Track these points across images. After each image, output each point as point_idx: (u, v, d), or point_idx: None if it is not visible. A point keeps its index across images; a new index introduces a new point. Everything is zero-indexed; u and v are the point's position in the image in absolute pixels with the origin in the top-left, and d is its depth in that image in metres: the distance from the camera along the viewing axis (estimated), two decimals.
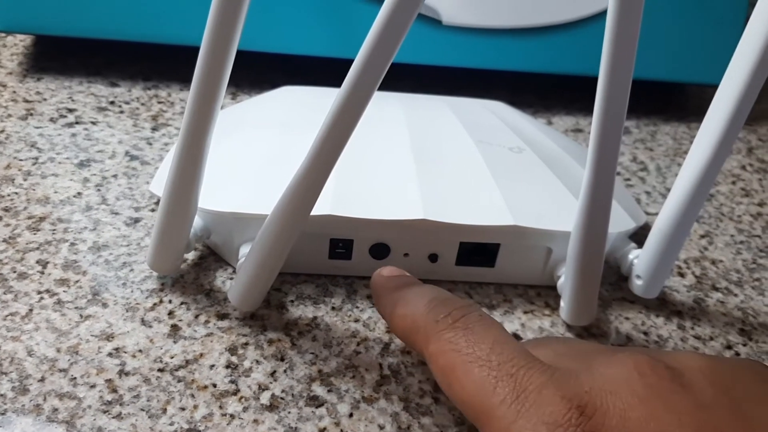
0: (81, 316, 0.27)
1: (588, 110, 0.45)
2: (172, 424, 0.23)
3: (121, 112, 0.39)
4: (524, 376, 0.19)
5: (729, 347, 0.29)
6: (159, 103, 0.40)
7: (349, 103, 0.21)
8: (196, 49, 0.22)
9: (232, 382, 0.25)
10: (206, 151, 0.24)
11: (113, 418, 0.23)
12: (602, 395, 0.18)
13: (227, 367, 0.25)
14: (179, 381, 0.25)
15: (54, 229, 0.30)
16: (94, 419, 0.23)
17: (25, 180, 0.33)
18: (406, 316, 0.22)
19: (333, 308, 0.29)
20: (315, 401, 0.25)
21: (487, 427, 0.19)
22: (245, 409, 0.24)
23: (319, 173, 0.23)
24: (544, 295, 0.30)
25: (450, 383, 0.20)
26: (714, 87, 0.25)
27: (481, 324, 0.21)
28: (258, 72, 0.44)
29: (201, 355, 0.26)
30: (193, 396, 0.24)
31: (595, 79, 0.22)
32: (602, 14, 0.42)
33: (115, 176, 0.34)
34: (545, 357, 0.20)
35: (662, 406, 0.18)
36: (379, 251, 0.29)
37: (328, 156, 0.23)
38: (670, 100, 0.48)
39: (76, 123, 0.38)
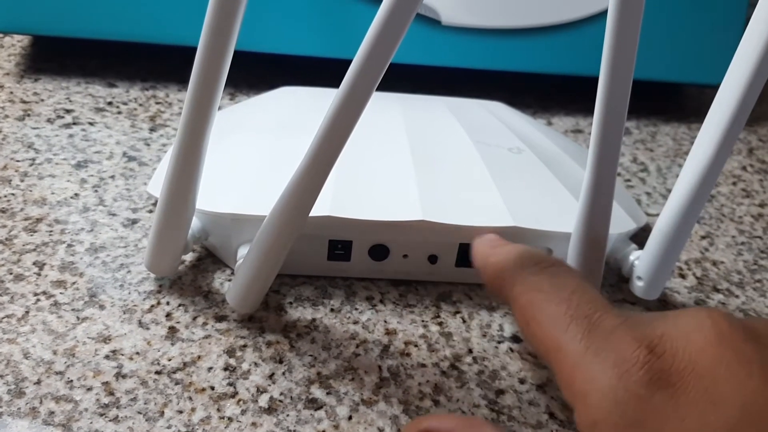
0: (78, 318, 0.26)
1: (588, 111, 0.45)
2: (169, 427, 0.23)
3: (119, 112, 0.39)
4: (599, 319, 0.19)
5: None
6: (157, 103, 0.40)
7: (348, 103, 0.21)
8: (194, 50, 0.22)
9: (230, 384, 0.25)
10: (204, 152, 0.24)
11: (110, 421, 0.23)
12: (674, 340, 0.18)
13: (225, 369, 0.25)
14: (177, 383, 0.25)
15: (51, 231, 0.30)
16: (91, 422, 0.23)
17: (22, 181, 0.33)
18: (498, 263, 0.23)
19: (332, 310, 0.28)
20: (314, 404, 0.25)
21: (556, 363, 0.19)
22: (243, 412, 0.24)
23: (318, 174, 0.23)
24: None
25: (527, 320, 0.21)
26: (714, 88, 0.25)
27: (568, 272, 0.22)
28: (256, 73, 0.44)
29: (199, 357, 0.26)
30: (190, 399, 0.24)
31: (594, 80, 0.22)
32: (602, 14, 0.42)
33: (112, 177, 0.34)
34: None
35: (734, 354, 0.18)
36: (379, 252, 0.29)
37: (327, 157, 0.22)
38: (670, 101, 0.48)
39: (74, 124, 0.38)
